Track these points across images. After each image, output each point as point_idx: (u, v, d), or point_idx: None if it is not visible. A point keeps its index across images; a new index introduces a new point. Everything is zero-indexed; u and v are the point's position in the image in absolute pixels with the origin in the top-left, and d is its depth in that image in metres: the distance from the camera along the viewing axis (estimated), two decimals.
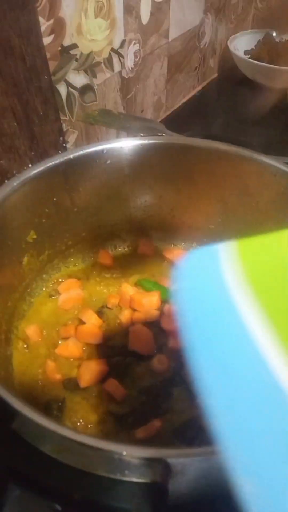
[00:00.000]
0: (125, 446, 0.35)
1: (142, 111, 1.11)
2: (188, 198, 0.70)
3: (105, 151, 0.62)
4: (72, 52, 0.83)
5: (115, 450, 0.35)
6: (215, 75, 1.42)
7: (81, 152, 0.61)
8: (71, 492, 0.37)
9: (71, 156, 0.60)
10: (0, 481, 0.39)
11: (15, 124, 0.77)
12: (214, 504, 0.50)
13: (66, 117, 0.88)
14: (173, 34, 1.10)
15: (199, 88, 1.36)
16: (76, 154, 0.61)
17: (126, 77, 1.00)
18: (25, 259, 0.63)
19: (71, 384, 0.59)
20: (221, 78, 1.43)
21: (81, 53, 0.85)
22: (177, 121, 1.22)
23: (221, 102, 1.37)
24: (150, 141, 0.63)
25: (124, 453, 0.35)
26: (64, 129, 0.89)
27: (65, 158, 0.60)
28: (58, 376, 0.59)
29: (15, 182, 0.56)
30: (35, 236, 0.62)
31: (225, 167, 0.64)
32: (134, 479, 0.35)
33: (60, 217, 0.65)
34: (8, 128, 0.76)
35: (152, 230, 0.76)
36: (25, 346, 0.62)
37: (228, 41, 1.34)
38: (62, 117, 0.86)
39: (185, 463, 0.35)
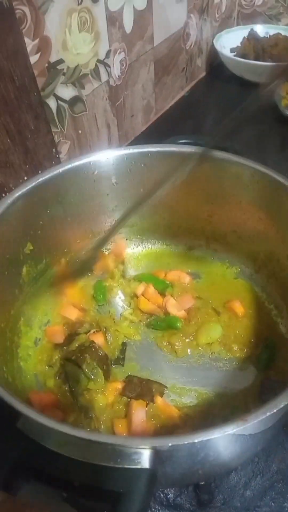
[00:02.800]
0: (116, 437, 0.39)
1: (132, 116, 1.15)
2: (177, 200, 0.74)
3: (91, 163, 0.66)
4: (59, 67, 0.86)
5: (108, 442, 0.39)
6: (204, 73, 1.45)
7: (70, 166, 0.65)
8: (73, 480, 0.41)
9: (60, 170, 0.64)
10: (11, 474, 0.43)
11: (8, 141, 0.81)
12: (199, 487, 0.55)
13: (58, 129, 0.92)
14: (158, 38, 1.14)
15: (187, 88, 1.38)
16: (65, 168, 0.65)
17: (114, 85, 1.03)
18: (24, 269, 0.67)
19: None
20: (209, 76, 1.46)
21: (68, 67, 0.89)
22: (167, 123, 1.25)
23: (210, 100, 1.39)
24: (134, 151, 0.67)
25: (116, 443, 0.39)
26: (57, 141, 0.93)
27: (55, 172, 0.64)
28: None
29: (8, 199, 0.60)
30: (32, 248, 0.66)
31: (207, 170, 0.67)
32: (127, 466, 0.39)
33: (55, 227, 0.69)
34: (2, 145, 0.80)
35: (144, 233, 0.79)
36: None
37: (214, 40, 1.36)
38: (53, 129, 0.90)
39: (172, 450, 0.39)
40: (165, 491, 0.57)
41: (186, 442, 0.37)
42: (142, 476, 0.38)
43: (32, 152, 0.86)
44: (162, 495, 0.57)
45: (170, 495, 0.57)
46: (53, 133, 0.90)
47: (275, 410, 0.38)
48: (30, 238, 0.66)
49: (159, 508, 0.56)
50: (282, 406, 0.38)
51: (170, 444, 0.37)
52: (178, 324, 0.68)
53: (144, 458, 0.38)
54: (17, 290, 0.67)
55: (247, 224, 0.69)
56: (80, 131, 0.98)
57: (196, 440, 0.37)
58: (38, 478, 0.43)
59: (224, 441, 0.39)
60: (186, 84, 1.37)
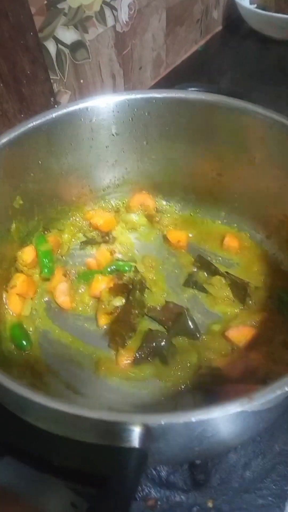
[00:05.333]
0: (102, 412, 0.34)
1: (140, 68, 1.06)
2: (184, 156, 0.67)
3: (89, 109, 0.59)
4: (60, 6, 0.78)
5: (92, 417, 0.34)
6: (220, 27, 1.35)
7: (64, 111, 0.58)
8: (54, 459, 0.37)
9: (53, 115, 0.57)
10: None
11: (1, 85, 0.74)
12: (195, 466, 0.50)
13: (57, 76, 0.84)
14: None
15: (202, 42, 1.28)
16: (59, 113, 0.58)
17: (121, 31, 0.95)
18: (13, 225, 0.61)
19: None
20: (226, 30, 1.36)
21: (70, 7, 0.80)
22: (179, 78, 1.16)
23: (226, 56, 1.30)
24: (137, 96, 0.60)
25: (102, 419, 0.34)
26: (56, 90, 0.85)
27: (47, 118, 0.57)
28: None
29: None
30: (21, 202, 0.60)
31: (220, 121, 0.60)
32: (113, 445, 0.34)
33: (48, 181, 0.63)
34: None
35: (147, 191, 0.73)
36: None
37: None
38: (52, 77, 0.82)
39: (165, 428, 0.34)
40: (158, 468, 0.53)
41: (181, 421, 0.32)
42: (131, 456, 0.33)
43: (28, 100, 0.79)
44: (154, 472, 0.53)
45: (163, 473, 0.53)
46: (52, 81, 0.83)
47: (286, 389, 0.33)
48: (20, 192, 0.60)
49: (151, 485, 0.52)
50: None
51: (163, 422, 0.32)
52: (127, 268, 0.66)
53: (134, 436, 0.33)
54: (4, 249, 0.61)
55: (260, 185, 0.63)
56: (82, 81, 0.90)
57: (193, 419, 0.32)
58: (16, 456, 0.38)
59: (224, 419, 0.34)
60: (200, 37, 1.27)
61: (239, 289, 0.62)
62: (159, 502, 0.52)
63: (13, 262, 0.64)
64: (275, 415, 0.51)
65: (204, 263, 0.66)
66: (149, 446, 0.34)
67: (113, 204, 0.72)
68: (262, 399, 0.32)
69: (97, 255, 0.67)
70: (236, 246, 0.68)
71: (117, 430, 0.33)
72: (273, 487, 0.53)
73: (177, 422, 0.32)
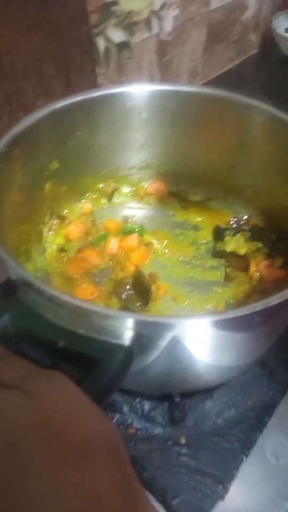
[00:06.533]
0: (102, 308, 0.42)
1: (176, 76, 1.16)
2: (201, 147, 0.75)
3: (125, 93, 0.69)
4: (113, 8, 0.89)
5: (92, 310, 0.42)
6: (256, 50, 1.45)
7: (104, 92, 0.68)
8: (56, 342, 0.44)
9: (95, 94, 0.67)
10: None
11: (53, 69, 0.85)
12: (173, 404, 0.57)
13: (102, 70, 0.95)
14: (214, 3, 1.15)
15: (237, 61, 1.39)
16: (100, 93, 0.67)
17: (164, 40, 1.05)
18: (47, 185, 0.70)
19: None
20: (261, 54, 1.46)
21: (122, 11, 0.91)
22: None
23: (259, 78, 1.39)
24: (168, 88, 0.69)
25: (100, 312, 0.42)
26: (99, 82, 0.96)
27: (89, 96, 0.66)
28: None
29: (42, 112, 0.63)
30: (57, 166, 0.70)
31: (236, 117, 0.69)
32: (108, 339, 0.42)
33: (82, 152, 0.72)
34: (47, 72, 0.83)
35: (166, 178, 0.82)
36: None
37: (273, 18, 1.36)
38: (98, 70, 0.93)
39: (149, 326, 0.42)
40: (142, 403, 0.61)
41: (165, 322, 0.40)
42: (120, 349, 0.41)
43: (74, 86, 0.90)
44: (139, 406, 0.61)
45: (146, 407, 0.61)
46: (96, 74, 0.93)
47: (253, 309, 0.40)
48: (58, 156, 0.69)
49: (134, 416, 0.60)
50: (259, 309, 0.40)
51: (148, 319, 0.40)
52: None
53: (123, 332, 0.41)
54: (38, 204, 0.70)
55: (266, 177, 0.71)
56: (123, 78, 1.00)
57: (172, 321, 0.40)
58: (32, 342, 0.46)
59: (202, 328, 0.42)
60: (236, 57, 1.38)
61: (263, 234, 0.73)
62: (139, 432, 0.59)
63: (43, 217, 0.73)
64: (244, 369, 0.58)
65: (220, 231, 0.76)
66: (136, 346, 0.42)
67: (135, 183, 0.82)
68: (231, 314, 0.40)
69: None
70: None
71: (109, 325, 0.41)
72: (241, 435, 0.59)
73: (162, 321, 0.40)
